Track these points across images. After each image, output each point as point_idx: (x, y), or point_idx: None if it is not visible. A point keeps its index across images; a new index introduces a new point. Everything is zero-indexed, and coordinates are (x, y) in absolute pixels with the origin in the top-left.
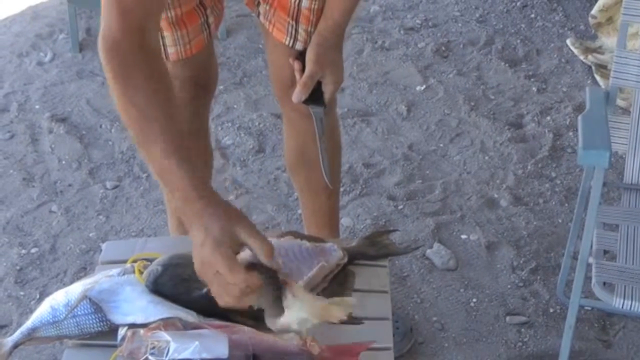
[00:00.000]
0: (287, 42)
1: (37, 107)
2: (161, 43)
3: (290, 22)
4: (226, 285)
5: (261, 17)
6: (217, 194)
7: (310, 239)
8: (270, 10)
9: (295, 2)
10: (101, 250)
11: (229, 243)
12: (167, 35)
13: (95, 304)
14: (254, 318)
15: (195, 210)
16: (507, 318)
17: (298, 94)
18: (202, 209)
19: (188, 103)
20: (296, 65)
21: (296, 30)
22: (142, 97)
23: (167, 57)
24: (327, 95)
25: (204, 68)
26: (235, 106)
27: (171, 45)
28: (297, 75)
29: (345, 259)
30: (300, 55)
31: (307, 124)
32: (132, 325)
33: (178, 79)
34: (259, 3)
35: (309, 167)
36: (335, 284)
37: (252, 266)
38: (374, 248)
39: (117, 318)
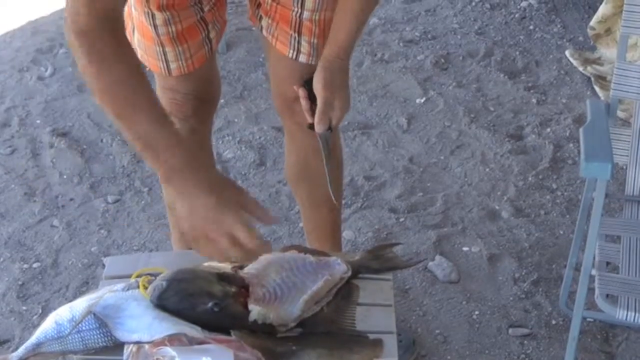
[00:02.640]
0: (290, 55)
1: (38, 121)
2: (163, 59)
3: (293, 34)
4: (230, 248)
5: (264, 31)
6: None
7: (314, 252)
8: (273, 24)
9: (296, 14)
10: (103, 265)
11: (236, 207)
12: (169, 51)
13: (100, 320)
14: (256, 332)
15: (199, 177)
16: (510, 330)
17: (320, 125)
18: (206, 174)
19: (189, 117)
20: (301, 92)
21: (299, 43)
22: (121, 72)
23: (170, 73)
24: (334, 122)
25: (206, 82)
26: (235, 120)
27: (173, 60)
28: (303, 102)
29: (349, 273)
30: (305, 83)
31: (308, 139)
32: (137, 343)
33: (180, 93)
34: (261, 17)
35: (310, 181)
36: (340, 297)
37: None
38: (377, 261)
39: (122, 335)
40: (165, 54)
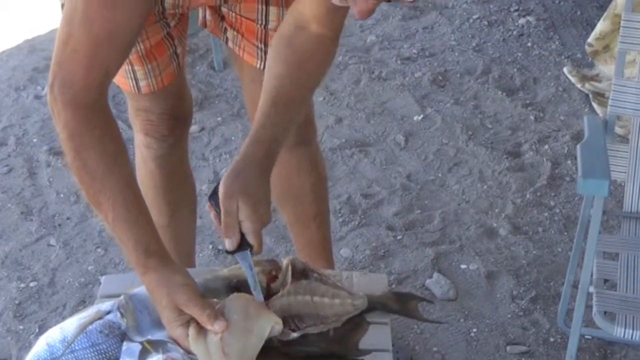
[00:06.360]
0: (258, 66)
1: (34, 140)
2: (132, 77)
3: (259, 45)
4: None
5: (229, 43)
6: (163, 260)
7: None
8: (238, 36)
9: (261, 24)
10: (100, 284)
11: (179, 319)
12: (138, 69)
13: (92, 338)
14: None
15: (145, 282)
16: (508, 348)
17: (227, 242)
18: (149, 283)
19: (167, 136)
20: (209, 206)
21: (265, 53)
22: (94, 160)
23: (139, 91)
24: (249, 236)
25: (178, 100)
26: (233, 138)
27: (142, 78)
28: (215, 221)
29: (365, 305)
30: (214, 194)
31: (288, 156)
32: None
33: (154, 113)
34: (226, 29)
35: (295, 200)
36: (348, 326)
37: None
38: (398, 305)
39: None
40: (134, 72)
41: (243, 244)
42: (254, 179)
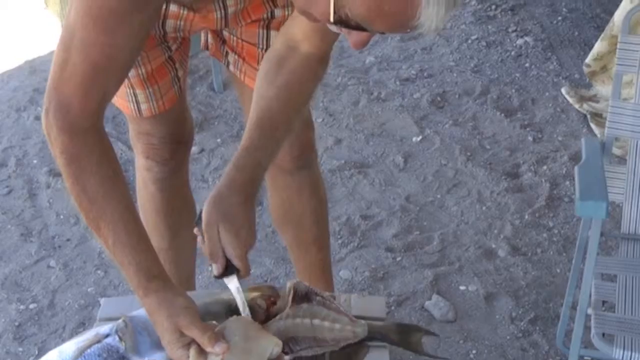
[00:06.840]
0: None
1: (35, 161)
2: (134, 100)
3: None
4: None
5: (230, 67)
6: (165, 283)
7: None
8: (240, 60)
9: (262, 48)
10: (100, 306)
11: (180, 341)
12: (140, 92)
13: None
14: None
15: (146, 305)
16: None
17: (214, 268)
18: (150, 306)
19: (168, 160)
20: (196, 230)
21: None
22: (93, 185)
23: (140, 114)
24: (233, 261)
25: (179, 123)
26: None
27: (144, 101)
28: (201, 246)
29: (365, 334)
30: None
31: (290, 180)
32: None
33: (155, 137)
34: (227, 53)
35: (295, 223)
36: (345, 353)
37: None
38: (399, 337)
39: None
40: (135, 95)
41: (230, 269)
42: (235, 205)
